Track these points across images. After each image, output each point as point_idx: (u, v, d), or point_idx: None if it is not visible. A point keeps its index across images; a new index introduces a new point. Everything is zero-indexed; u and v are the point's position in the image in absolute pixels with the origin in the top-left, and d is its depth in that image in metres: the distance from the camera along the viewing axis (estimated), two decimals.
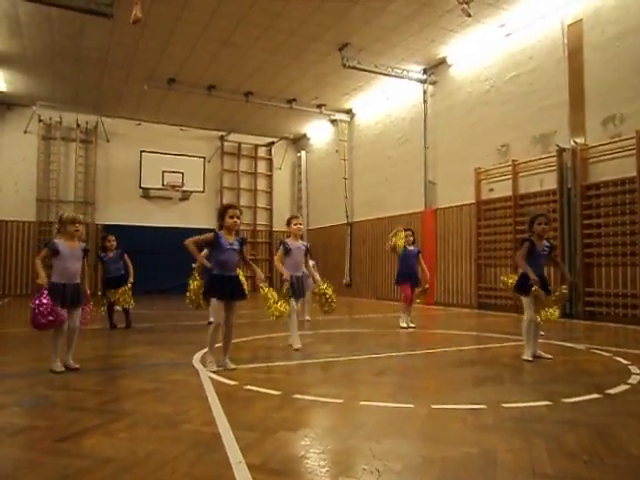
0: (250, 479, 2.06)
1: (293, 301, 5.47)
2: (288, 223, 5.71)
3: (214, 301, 4.29)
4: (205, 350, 5.07)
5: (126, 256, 7.30)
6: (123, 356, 5.30)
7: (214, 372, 4.13)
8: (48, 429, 2.72)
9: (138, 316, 8.31)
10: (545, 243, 4.90)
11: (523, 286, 4.84)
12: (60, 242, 4.31)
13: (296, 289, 5.51)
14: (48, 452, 2.37)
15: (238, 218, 4.37)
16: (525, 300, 4.83)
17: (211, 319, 7.69)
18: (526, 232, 5.01)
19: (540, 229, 4.83)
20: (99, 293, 7.15)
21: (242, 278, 4.76)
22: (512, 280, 5.13)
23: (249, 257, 4.77)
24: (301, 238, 5.75)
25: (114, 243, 7.29)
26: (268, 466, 2.21)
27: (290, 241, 5.52)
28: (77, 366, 4.30)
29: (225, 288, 4.27)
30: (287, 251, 5.48)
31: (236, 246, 4.36)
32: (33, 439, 2.57)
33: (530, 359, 4.72)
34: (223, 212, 4.37)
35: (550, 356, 4.85)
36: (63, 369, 4.22)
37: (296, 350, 5.33)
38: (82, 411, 3.07)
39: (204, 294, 4.41)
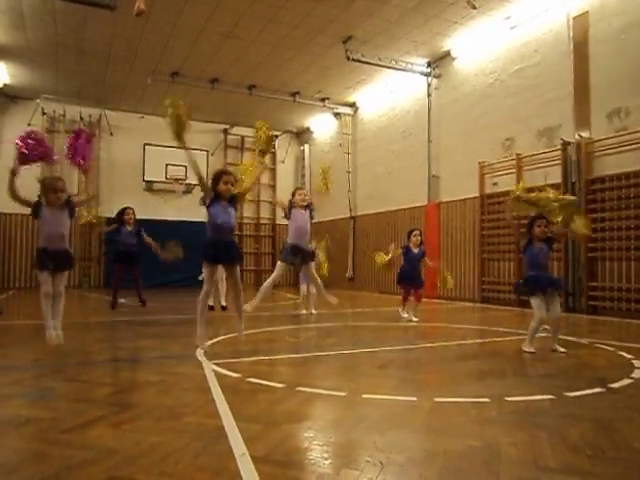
0: (254, 471, 2.07)
1: (282, 266, 5.49)
2: (293, 194, 5.80)
3: (205, 268, 4.30)
4: (211, 342, 5.09)
5: (143, 233, 7.21)
6: (127, 348, 5.32)
7: (204, 350, 4.20)
8: (53, 420, 2.73)
9: (142, 309, 8.34)
10: (543, 245, 4.91)
11: (529, 286, 4.87)
12: (44, 206, 4.25)
13: (292, 257, 5.48)
14: (53, 443, 2.38)
15: (232, 185, 4.33)
16: (534, 301, 4.83)
17: (223, 303, 7.69)
18: (526, 233, 5.03)
19: (539, 231, 4.86)
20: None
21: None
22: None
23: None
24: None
25: (132, 216, 7.15)
26: (272, 458, 2.21)
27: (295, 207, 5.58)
28: (60, 337, 4.31)
29: (219, 253, 4.25)
30: (290, 209, 5.53)
31: (230, 208, 4.32)
32: (38, 430, 2.58)
33: (533, 351, 4.77)
34: (217, 178, 4.30)
35: (564, 350, 4.80)
36: (54, 335, 4.28)
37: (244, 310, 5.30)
38: (87, 403, 3.09)
39: (201, 258, 4.36)
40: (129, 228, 7.07)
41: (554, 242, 5.14)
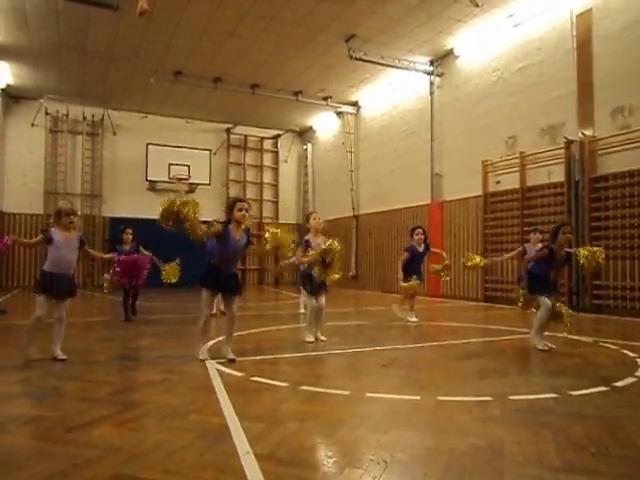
0: (258, 469, 2.08)
1: (313, 299, 5.47)
2: (307, 219, 5.71)
3: (204, 292, 4.35)
4: (211, 343, 5.11)
5: (142, 248, 7.30)
6: (131, 348, 5.34)
7: (205, 360, 4.24)
8: (58, 419, 2.75)
9: (145, 308, 8.36)
10: (564, 254, 4.96)
11: (534, 287, 4.99)
12: (55, 231, 4.39)
13: (316, 286, 5.49)
14: (58, 442, 2.40)
15: (247, 211, 4.36)
16: (540, 298, 4.92)
17: (222, 308, 7.73)
18: (548, 240, 5.11)
19: (564, 239, 4.86)
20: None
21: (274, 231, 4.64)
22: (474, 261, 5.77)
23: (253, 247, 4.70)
24: (321, 233, 5.71)
25: (130, 236, 7.28)
26: (276, 456, 2.22)
27: (311, 238, 5.47)
28: (64, 357, 4.33)
29: (218, 282, 4.31)
30: (307, 248, 5.48)
31: (242, 242, 4.35)
32: (43, 429, 2.60)
33: (546, 348, 4.82)
34: (232, 205, 4.36)
35: (554, 346, 4.93)
36: (37, 357, 4.27)
37: (308, 343, 5.34)
38: (91, 401, 3.10)
39: (199, 283, 4.39)
40: (126, 247, 7.17)
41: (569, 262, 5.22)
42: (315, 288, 5.46)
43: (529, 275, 5.08)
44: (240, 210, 4.30)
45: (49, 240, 4.32)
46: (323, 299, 5.57)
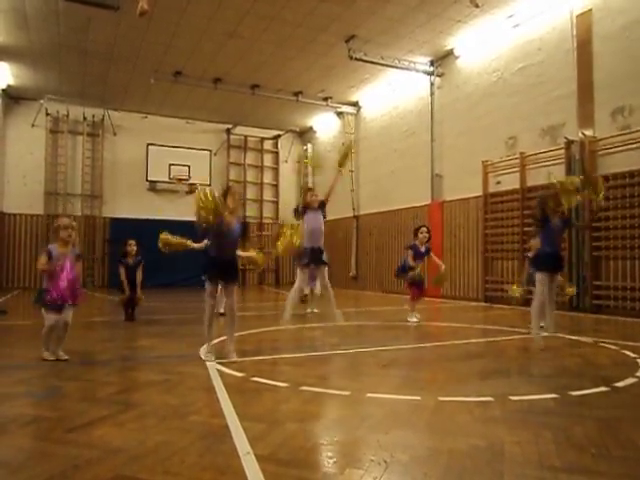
0: (258, 470, 2.07)
1: (304, 272, 5.46)
2: (304, 196, 5.79)
3: (207, 285, 4.40)
4: (215, 341, 5.11)
5: (141, 267, 7.32)
6: (131, 348, 5.34)
7: (211, 362, 4.22)
8: (58, 419, 2.75)
9: (145, 309, 8.36)
10: (559, 223, 5.12)
11: (538, 262, 5.14)
12: (54, 247, 4.43)
13: (309, 258, 5.47)
14: (59, 442, 2.40)
15: (240, 199, 4.46)
16: (539, 275, 5.03)
17: (221, 310, 7.77)
18: (538, 215, 5.21)
19: (553, 208, 5.04)
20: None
21: (254, 254, 4.73)
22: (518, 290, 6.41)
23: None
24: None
25: (134, 248, 7.29)
26: (276, 457, 2.22)
27: (308, 210, 5.54)
28: (67, 357, 4.37)
29: (220, 271, 4.38)
30: (304, 213, 5.50)
31: (237, 230, 4.44)
32: (44, 429, 2.60)
33: (543, 335, 4.97)
34: (225, 194, 4.46)
35: (546, 333, 5.15)
36: (53, 358, 4.33)
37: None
38: (92, 402, 3.10)
39: (203, 273, 4.47)
40: (130, 260, 7.18)
41: (570, 223, 5.31)
42: (310, 260, 5.49)
43: (536, 256, 5.21)
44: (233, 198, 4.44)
45: (49, 256, 4.35)
46: (326, 272, 5.58)
